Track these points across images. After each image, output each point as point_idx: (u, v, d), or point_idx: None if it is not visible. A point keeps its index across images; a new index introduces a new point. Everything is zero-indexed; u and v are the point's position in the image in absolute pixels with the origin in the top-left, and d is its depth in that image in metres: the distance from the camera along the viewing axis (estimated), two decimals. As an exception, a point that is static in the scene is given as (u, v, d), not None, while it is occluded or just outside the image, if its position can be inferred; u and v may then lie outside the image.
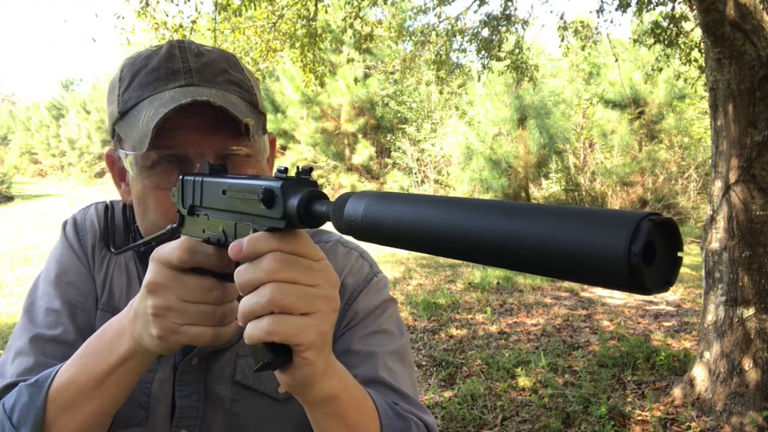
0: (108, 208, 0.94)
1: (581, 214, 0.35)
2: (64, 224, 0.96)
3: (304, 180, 0.56)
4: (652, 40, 5.88)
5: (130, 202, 0.86)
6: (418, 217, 0.43)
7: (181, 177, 0.72)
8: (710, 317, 3.40)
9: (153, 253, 0.67)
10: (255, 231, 0.58)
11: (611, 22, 15.52)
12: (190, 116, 0.76)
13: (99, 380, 0.71)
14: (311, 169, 0.56)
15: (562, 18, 6.44)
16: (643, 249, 0.33)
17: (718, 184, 3.34)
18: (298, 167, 0.56)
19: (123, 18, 5.77)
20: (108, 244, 0.92)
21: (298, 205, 0.53)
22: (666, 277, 0.36)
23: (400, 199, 0.46)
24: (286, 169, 0.56)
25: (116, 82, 0.83)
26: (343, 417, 0.66)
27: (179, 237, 0.73)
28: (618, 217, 0.34)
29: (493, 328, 5.27)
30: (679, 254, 0.36)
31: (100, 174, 27.23)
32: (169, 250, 0.65)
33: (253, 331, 0.55)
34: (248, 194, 0.59)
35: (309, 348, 0.56)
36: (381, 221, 0.46)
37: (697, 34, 5.64)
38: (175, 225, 0.74)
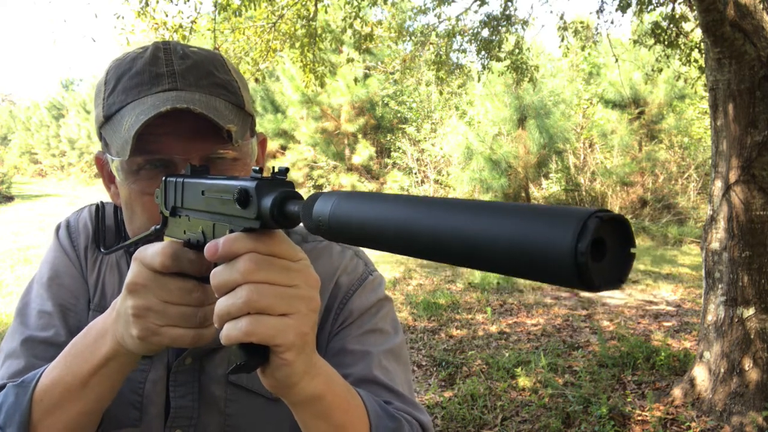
0: (98, 208, 0.94)
1: (532, 212, 0.35)
2: (57, 227, 0.96)
3: (279, 180, 0.55)
4: (652, 41, 5.88)
5: (119, 203, 0.86)
6: (383, 217, 0.43)
7: (163, 178, 0.72)
8: (710, 317, 3.40)
9: (135, 254, 0.66)
10: (232, 232, 0.58)
11: (611, 22, 15.63)
12: (174, 122, 0.75)
13: (83, 380, 0.70)
14: (287, 169, 0.56)
15: (562, 18, 6.44)
16: (591, 246, 0.32)
17: (718, 184, 3.33)
18: (273, 167, 0.56)
19: (123, 18, 5.76)
20: (98, 244, 0.92)
21: (271, 206, 0.53)
22: (617, 274, 0.35)
23: (367, 198, 0.46)
24: (260, 170, 0.56)
25: (102, 85, 0.83)
26: (329, 417, 0.66)
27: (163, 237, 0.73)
28: (566, 215, 0.34)
29: (493, 328, 5.26)
30: (632, 251, 0.36)
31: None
32: (151, 254, 0.65)
33: (230, 331, 0.55)
34: (225, 194, 0.59)
35: (288, 349, 0.56)
36: (348, 221, 0.46)
37: (697, 34, 5.63)
38: (159, 226, 0.74)
